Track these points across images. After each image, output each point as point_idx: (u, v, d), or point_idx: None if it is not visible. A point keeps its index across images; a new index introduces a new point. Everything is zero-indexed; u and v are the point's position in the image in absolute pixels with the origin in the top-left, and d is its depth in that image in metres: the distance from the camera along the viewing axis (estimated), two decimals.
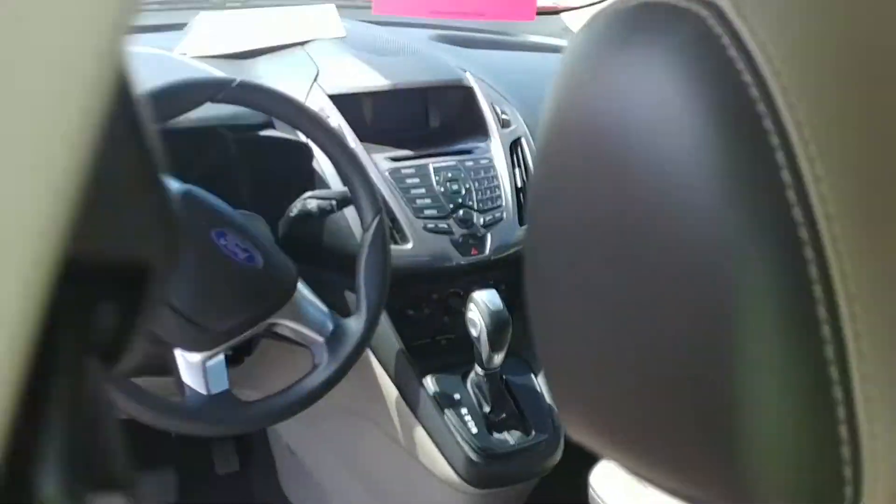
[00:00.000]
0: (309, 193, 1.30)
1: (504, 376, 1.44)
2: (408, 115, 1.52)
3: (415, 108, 1.52)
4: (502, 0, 1.58)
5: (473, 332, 1.31)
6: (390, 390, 1.39)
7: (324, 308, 1.19)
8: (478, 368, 1.35)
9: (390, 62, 1.50)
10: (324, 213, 1.26)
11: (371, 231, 1.19)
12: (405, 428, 1.41)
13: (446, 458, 1.36)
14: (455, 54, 1.70)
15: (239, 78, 1.11)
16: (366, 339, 1.18)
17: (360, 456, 1.60)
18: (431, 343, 1.43)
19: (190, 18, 1.58)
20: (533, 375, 1.47)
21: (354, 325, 1.18)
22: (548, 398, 1.45)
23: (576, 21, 2.23)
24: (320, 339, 1.16)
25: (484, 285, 1.43)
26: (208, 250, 1.06)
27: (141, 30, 1.57)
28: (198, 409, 1.07)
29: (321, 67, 1.45)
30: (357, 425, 1.51)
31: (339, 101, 1.40)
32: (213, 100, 1.09)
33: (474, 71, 1.60)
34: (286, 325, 1.13)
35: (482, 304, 1.30)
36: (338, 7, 1.65)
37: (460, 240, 1.39)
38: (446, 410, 1.38)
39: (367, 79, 1.45)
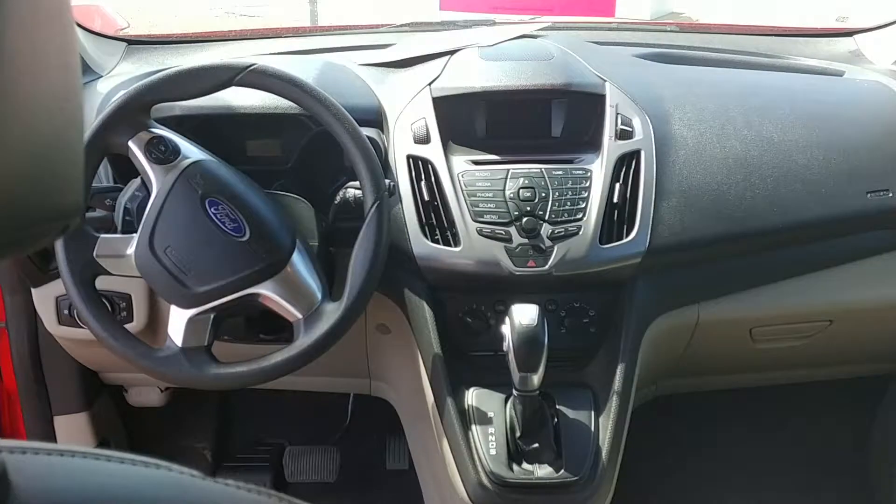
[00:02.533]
0: (350, 183, 1.34)
1: (558, 405, 1.30)
2: (529, 120, 1.45)
3: (537, 114, 1.45)
4: None
5: (504, 348, 1.22)
6: (429, 395, 1.34)
7: (317, 287, 1.20)
8: (514, 389, 1.24)
9: (523, 66, 1.45)
10: (359, 200, 1.28)
11: (368, 216, 1.19)
12: (429, 437, 1.35)
13: (461, 477, 1.27)
14: (640, 68, 1.58)
15: (256, 63, 1.20)
16: (342, 323, 1.16)
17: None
18: (493, 356, 1.34)
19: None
20: (593, 413, 1.30)
21: (333, 308, 1.18)
22: (601, 440, 1.26)
23: (870, 44, 1.87)
24: (299, 316, 1.18)
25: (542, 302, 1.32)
26: (198, 216, 1.16)
27: (357, 48, 1.76)
28: (166, 358, 1.17)
29: (447, 71, 1.47)
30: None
31: (445, 102, 1.41)
32: (232, 83, 1.19)
33: (636, 83, 1.47)
34: (270, 297, 1.18)
35: (514, 319, 1.20)
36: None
37: (517, 249, 1.29)
38: (474, 427, 1.28)
39: (484, 81, 1.43)
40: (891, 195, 1.42)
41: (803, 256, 1.46)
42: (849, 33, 1.93)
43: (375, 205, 1.19)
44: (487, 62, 1.47)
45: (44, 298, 1.45)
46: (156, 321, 1.41)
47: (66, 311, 1.42)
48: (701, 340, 1.48)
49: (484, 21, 1.84)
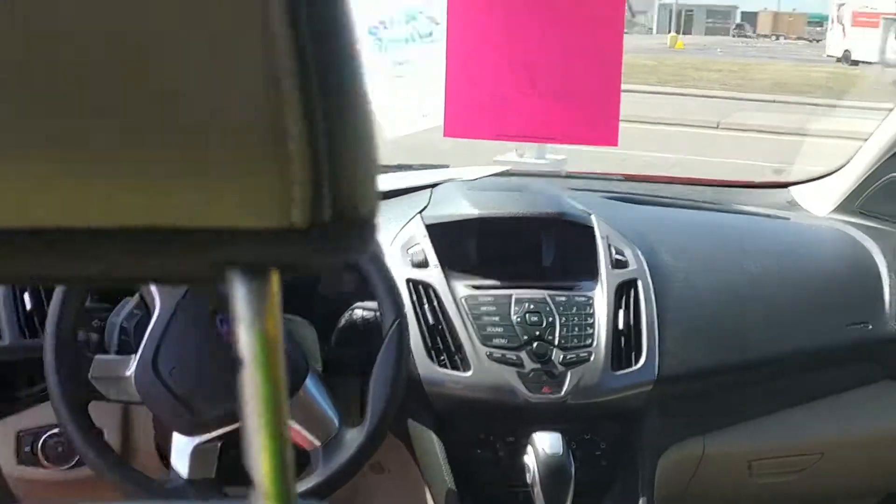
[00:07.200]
0: (358, 304, 1.28)
1: None
2: (520, 248, 1.44)
3: (529, 242, 1.45)
4: (578, 125, 1.48)
5: (527, 479, 1.15)
6: None
7: (333, 414, 1.12)
8: None
9: (511, 196, 1.47)
10: (368, 323, 1.22)
11: (387, 338, 1.12)
12: None
13: None
14: (613, 207, 1.61)
15: None
16: (364, 451, 1.08)
17: None
18: (507, 492, 1.26)
19: None
20: None
21: (354, 435, 1.09)
22: None
23: (804, 195, 2.00)
24: (317, 443, 1.09)
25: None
26: (209, 334, 1.07)
27: None
28: (174, 491, 1.05)
29: (434, 201, 1.46)
30: None
31: (438, 229, 1.38)
32: None
33: (615, 219, 1.49)
34: None
35: (539, 448, 1.14)
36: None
37: (531, 374, 1.25)
38: None
39: (476, 208, 1.42)
40: (870, 327, 1.47)
41: (796, 387, 1.48)
42: (784, 185, 2.06)
43: (396, 322, 1.13)
44: (476, 191, 1.48)
45: (1, 434, 1.27)
46: (128, 447, 1.26)
47: (27, 448, 1.24)
48: (704, 475, 1.44)
49: None
